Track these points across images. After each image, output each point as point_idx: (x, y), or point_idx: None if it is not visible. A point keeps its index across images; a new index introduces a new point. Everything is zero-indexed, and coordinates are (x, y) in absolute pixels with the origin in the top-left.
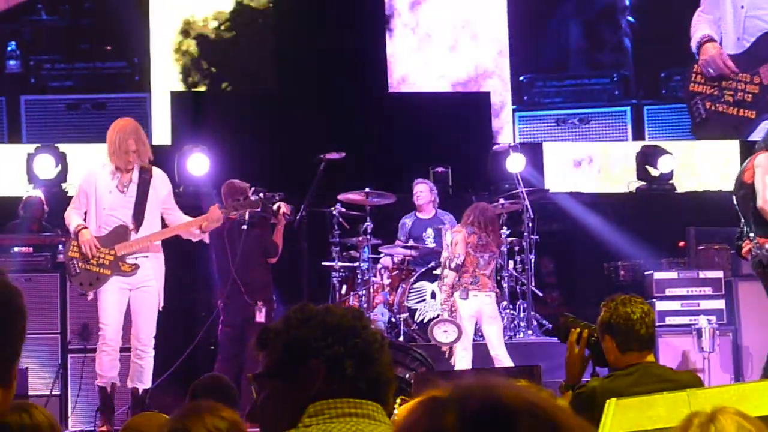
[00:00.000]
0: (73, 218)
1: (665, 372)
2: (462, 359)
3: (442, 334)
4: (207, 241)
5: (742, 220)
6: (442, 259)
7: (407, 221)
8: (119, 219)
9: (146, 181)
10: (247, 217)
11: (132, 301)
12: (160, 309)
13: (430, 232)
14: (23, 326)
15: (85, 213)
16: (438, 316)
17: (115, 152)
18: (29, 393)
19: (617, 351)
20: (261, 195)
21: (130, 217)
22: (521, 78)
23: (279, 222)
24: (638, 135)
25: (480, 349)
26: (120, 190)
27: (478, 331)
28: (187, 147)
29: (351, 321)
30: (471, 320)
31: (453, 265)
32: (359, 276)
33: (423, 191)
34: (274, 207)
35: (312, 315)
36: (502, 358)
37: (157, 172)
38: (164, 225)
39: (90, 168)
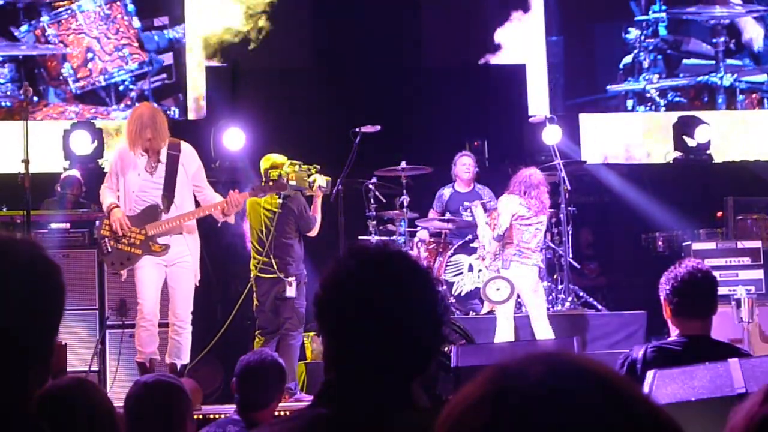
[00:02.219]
0: (106, 197)
1: (712, 345)
2: (503, 330)
3: (495, 292)
4: (231, 222)
5: None
6: (479, 235)
7: (445, 192)
8: (149, 200)
9: (174, 160)
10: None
11: (168, 277)
12: (197, 284)
13: (467, 204)
14: (61, 303)
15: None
16: (476, 288)
17: (134, 140)
18: (68, 369)
19: (671, 316)
20: (297, 167)
21: (160, 198)
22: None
23: (316, 195)
24: None
25: (521, 321)
26: (148, 171)
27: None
28: (222, 121)
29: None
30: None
31: (495, 234)
32: None
33: (470, 164)
34: (310, 180)
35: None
36: (544, 331)
37: (185, 147)
38: (196, 203)
39: (119, 148)
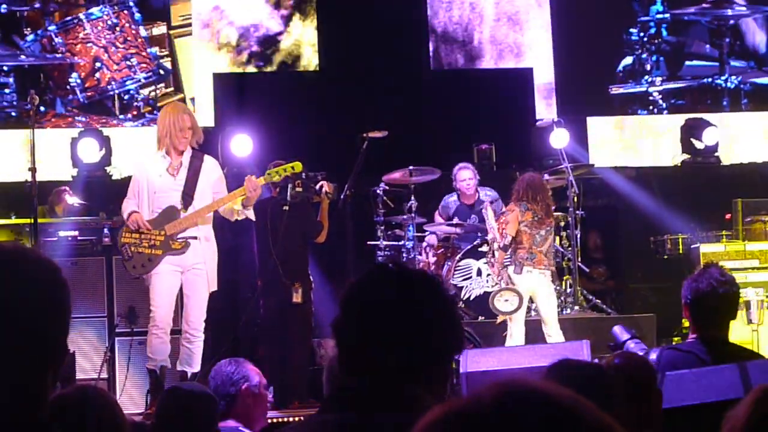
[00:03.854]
0: (127, 207)
1: (727, 348)
2: (515, 335)
3: (503, 303)
4: (253, 218)
5: None
6: (489, 238)
7: (450, 203)
8: (169, 201)
9: (197, 166)
10: (289, 197)
11: (184, 284)
12: (212, 291)
13: (474, 217)
14: (69, 309)
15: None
16: (485, 293)
17: (170, 132)
18: (77, 376)
19: (689, 320)
20: (303, 175)
21: (179, 199)
22: None
23: (322, 201)
24: None
25: (532, 325)
26: (170, 173)
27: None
28: (230, 128)
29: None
30: (525, 296)
31: (501, 244)
32: (404, 254)
33: (470, 179)
34: (317, 186)
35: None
36: (555, 335)
37: (208, 158)
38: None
39: (141, 157)
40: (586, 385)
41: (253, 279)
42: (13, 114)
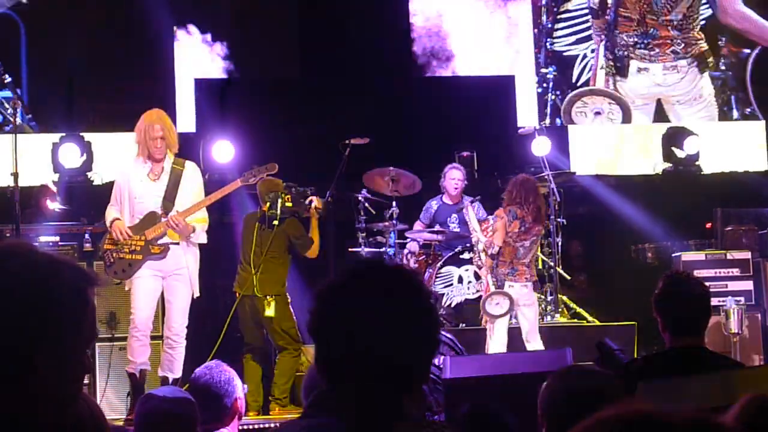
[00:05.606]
0: (110, 214)
1: (705, 356)
2: (498, 341)
3: (494, 307)
4: (204, 241)
5: None
6: (473, 241)
7: (433, 204)
8: (150, 207)
9: (178, 172)
10: (279, 212)
11: (165, 290)
12: (195, 298)
13: (454, 217)
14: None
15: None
16: (466, 300)
17: (143, 140)
18: None
19: (665, 330)
20: (293, 190)
21: (159, 205)
22: None
23: (312, 216)
24: None
25: (511, 332)
26: (151, 179)
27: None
28: (211, 134)
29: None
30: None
31: (489, 253)
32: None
33: (459, 179)
34: (306, 201)
35: None
36: (534, 343)
37: (189, 165)
38: None
39: (124, 162)
40: (596, 392)
41: (232, 286)
42: None
